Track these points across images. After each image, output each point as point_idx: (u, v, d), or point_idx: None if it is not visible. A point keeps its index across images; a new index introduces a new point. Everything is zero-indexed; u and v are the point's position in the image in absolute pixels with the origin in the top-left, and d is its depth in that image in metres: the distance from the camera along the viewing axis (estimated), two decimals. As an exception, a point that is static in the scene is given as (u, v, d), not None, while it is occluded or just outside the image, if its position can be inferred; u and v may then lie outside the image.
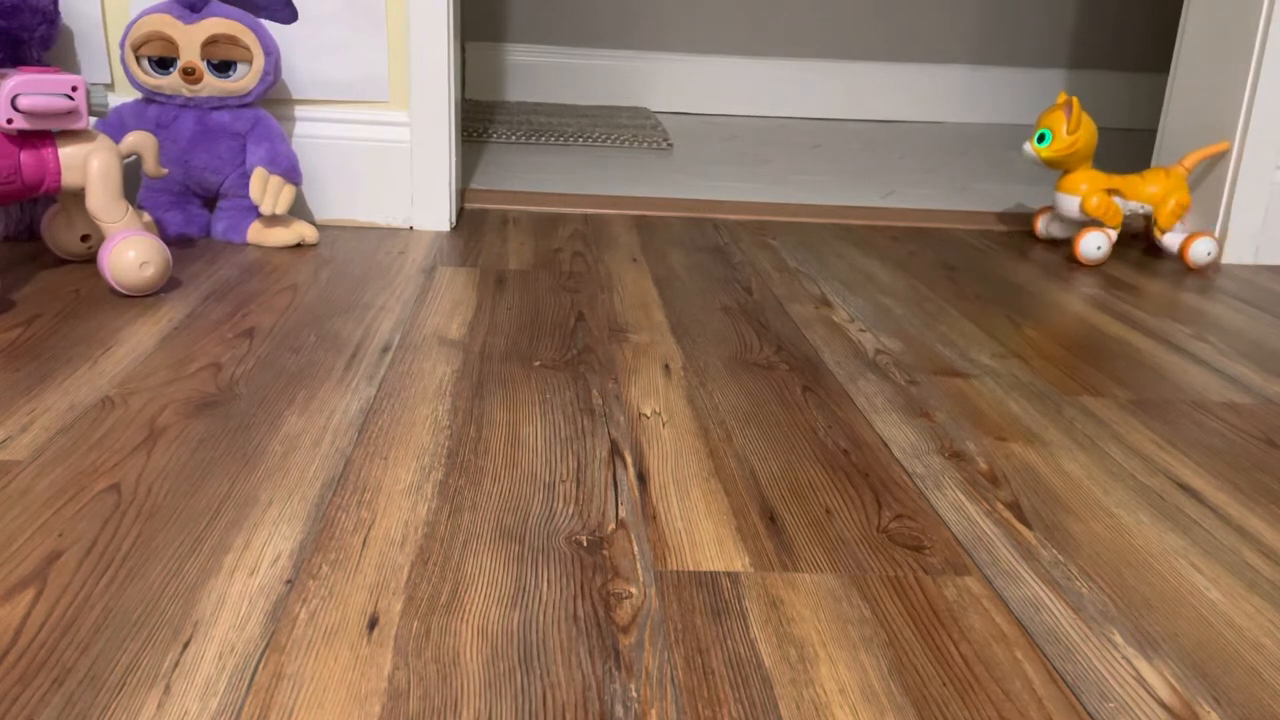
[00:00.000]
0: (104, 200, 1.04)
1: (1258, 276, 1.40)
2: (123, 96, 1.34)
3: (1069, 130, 1.38)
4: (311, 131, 1.36)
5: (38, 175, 1.02)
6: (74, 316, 1.00)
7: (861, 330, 1.08)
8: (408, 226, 1.41)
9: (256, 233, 1.28)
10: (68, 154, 1.03)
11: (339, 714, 0.49)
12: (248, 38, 1.24)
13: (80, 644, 0.53)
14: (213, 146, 1.26)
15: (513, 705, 0.50)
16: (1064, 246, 1.50)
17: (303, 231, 1.28)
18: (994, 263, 1.39)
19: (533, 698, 0.51)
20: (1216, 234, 1.46)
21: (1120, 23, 2.73)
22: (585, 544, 0.65)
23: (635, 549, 0.64)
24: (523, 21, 2.59)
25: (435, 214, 1.40)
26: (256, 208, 1.26)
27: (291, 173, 1.27)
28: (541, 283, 1.19)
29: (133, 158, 1.23)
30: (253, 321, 1.01)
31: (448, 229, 1.41)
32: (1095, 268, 1.39)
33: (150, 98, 1.26)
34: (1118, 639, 0.58)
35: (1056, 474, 0.78)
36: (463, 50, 2.59)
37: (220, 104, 1.26)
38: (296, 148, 1.36)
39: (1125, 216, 1.44)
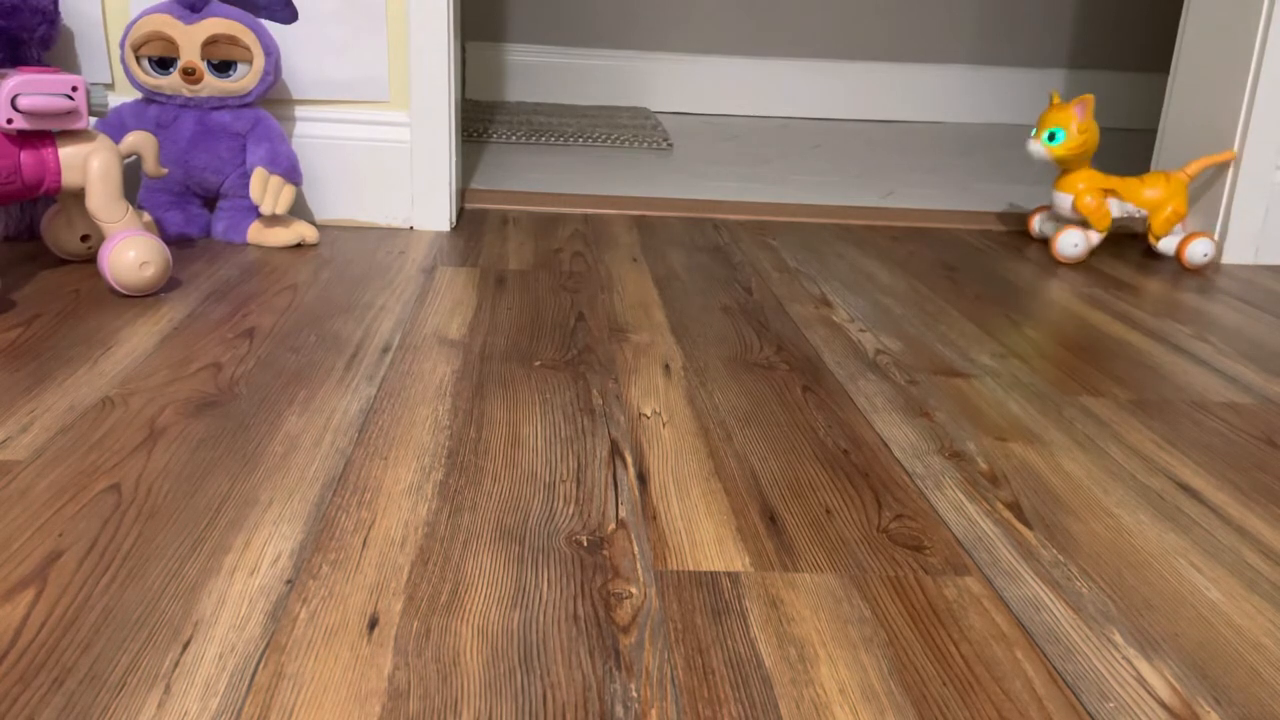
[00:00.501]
0: (104, 200, 1.04)
1: (1258, 276, 1.40)
2: (123, 96, 1.34)
3: (1081, 129, 1.38)
4: (312, 131, 1.36)
5: (38, 175, 1.02)
6: (74, 316, 1.00)
7: (861, 330, 1.08)
8: (408, 226, 1.41)
9: (256, 233, 1.28)
10: (68, 154, 1.03)
11: (339, 714, 0.49)
12: (248, 38, 1.24)
13: (80, 644, 0.53)
14: (213, 146, 1.26)
15: (513, 705, 0.50)
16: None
17: (303, 231, 1.28)
18: (994, 263, 1.39)
19: (533, 698, 0.51)
20: (1216, 235, 1.47)
21: (1120, 23, 2.73)
22: (585, 544, 0.65)
23: (635, 549, 0.64)
24: (523, 21, 2.59)
25: (435, 214, 1.40)
26: (256, 208, 1.26)
27: (292, 173, 1.27)
28: (541, 283, 1.19)
29: (133, 158, 1.23)
30: (253, 321, 1.01)
31: (448, 229, 1.41)
32: (1095, 268, 1.39)
33: (150, 98, 1.26)
34: (1118, 639, 0.58)
35: (1056, 474, 0.78)
36: (463, 50, 2.59)
37: (220, 104, 1.26)
38: (297, 148, 1.36)
39: (1119, 219, 1.44)
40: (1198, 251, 1.39)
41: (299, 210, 1.39)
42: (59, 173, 1.03)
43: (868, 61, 2.68)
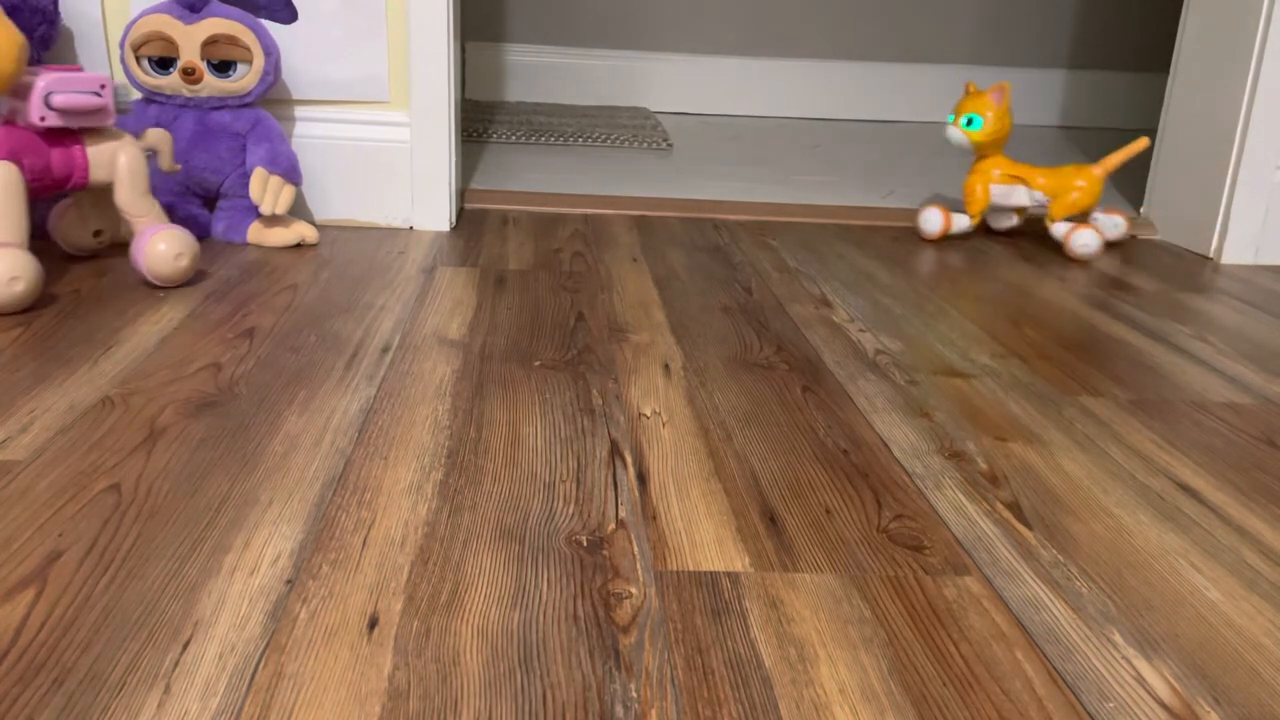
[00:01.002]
0: (133, 195, 1.07)
1: (1258, 276, 1.40)
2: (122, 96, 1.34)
3: (997, 115, 1.43)
4: (312, 131, 1.36)
5: (66, 172, 1.05)
6: (74, 316, 1.00)
7: (861, 330, 1.08)
8: (408, 226, 1.41)
9: (256, 233, 1.28)
10: (95, 151, 1.06)
11: (339, 714, 0.49)
12: (248, 38, 1.24)
13: (80, 644, 0.53)
14: (213, 146, 1.26)
15: (513, 705, 0.50)
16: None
17: (303, 231, 1.28)
18: (994, 263, 1.39)
19: (533, 698, 0.51)
20: (1216, 235, 1.46)
21: (1120, 23, 2.73)
22: (585, 544, 0.65)
23: (635, 549, 0.64)
24: (523, 21, 2.59)
25: (435, 214, 1.40)
26: (257, 208, 1.26)
27: (291, 173, 1.27)
28: (541, 283, 1.19)
29: (149, 154, 1.24)
30: (253, 321, 1.01)
31: (448, 229, 1.41)
32: (1095, 268, 1.39)
33: (150, 98, 1.26)
34: (1118, 639, 0.58)
35: (1056, 474, 0.78)
36: (463, 50, 2.59)
37: (220, 104, 1.26)
38: (296, 148, 1.36)
39: (1029, 206, 1.48)
40: (1079, 242, 1.41)
41: (299, 210, 1.39)
42: (86, 169, 1.06)
43: (868, 61, 2.68)
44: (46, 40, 1.22)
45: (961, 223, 1.48)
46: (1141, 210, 1.66)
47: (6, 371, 0.86)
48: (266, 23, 1.31)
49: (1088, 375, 0.99)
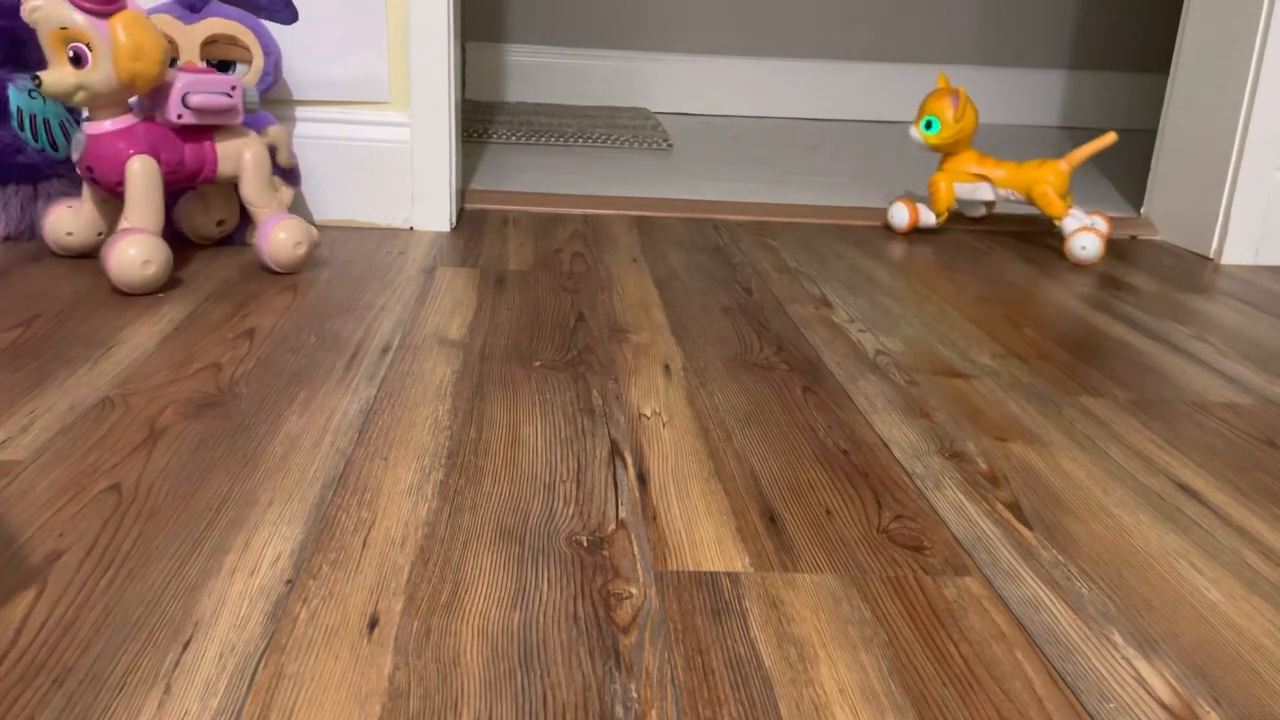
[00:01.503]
0: (257, 187, 1.15)
1: (1257, 276, 1.40)
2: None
3: (955, 118, 1.43)
4: (312, 132, 1.36)
5: (198, 166, 1.13)
6: (74, 316, 1.00)
7: (861, 330, 1.08)
8: (408, 227, 1.41)
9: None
10: (224, 147, 1.14)
11: (339, 714, 0.49)
12: (247, 38, 1.24)
13: (80, 644, 0.53)
14: (213, 147, 1.26)
15: (513, 705, 0.50)
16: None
17: (303, 232, 1.29)
18: (994, 263, 1.39)
19: (533, 698, 0.51)
20: (1216, 234, 1.46)
21: (1120, 23, 2.73)
22: (585, 544, 0.65)
23: (635, 549, 0.64)
24: (523, 21, 2.59)
25: (435, 214, 1.40)
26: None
27: (292, 173, 1.27)
28: (541, 283, 1.19)
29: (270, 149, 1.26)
30: (253, 322, 1.01)
31: (448, 229, 1.41)
32: (1095, 269, 1.39)
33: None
34: (1118, 639, 0.58)
35: (1056, 474, 0.78)
36: (463, 50, 2.59)
37: (220, 104, 1.26)
38: (297, 148, 1.36)
39: (997, 201, 1.49)
40: (1078, 245, 1.39)
41: (299, 210, 1.39)
42: (216, 163, 1.14)
43: (868, 61, 2.68)
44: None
45: (929, 218, 1.50)
46: (1141, 210, 1.66)
47: (6, 371, 0.86)
48: (266, 23, 1.31)
49: (1088, 375, 0.99)
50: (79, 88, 1.03)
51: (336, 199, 1.39)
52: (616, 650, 0.55)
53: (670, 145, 2.12)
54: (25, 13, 1.03)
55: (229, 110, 1.12)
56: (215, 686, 0.51)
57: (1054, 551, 0.67)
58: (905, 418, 0.87)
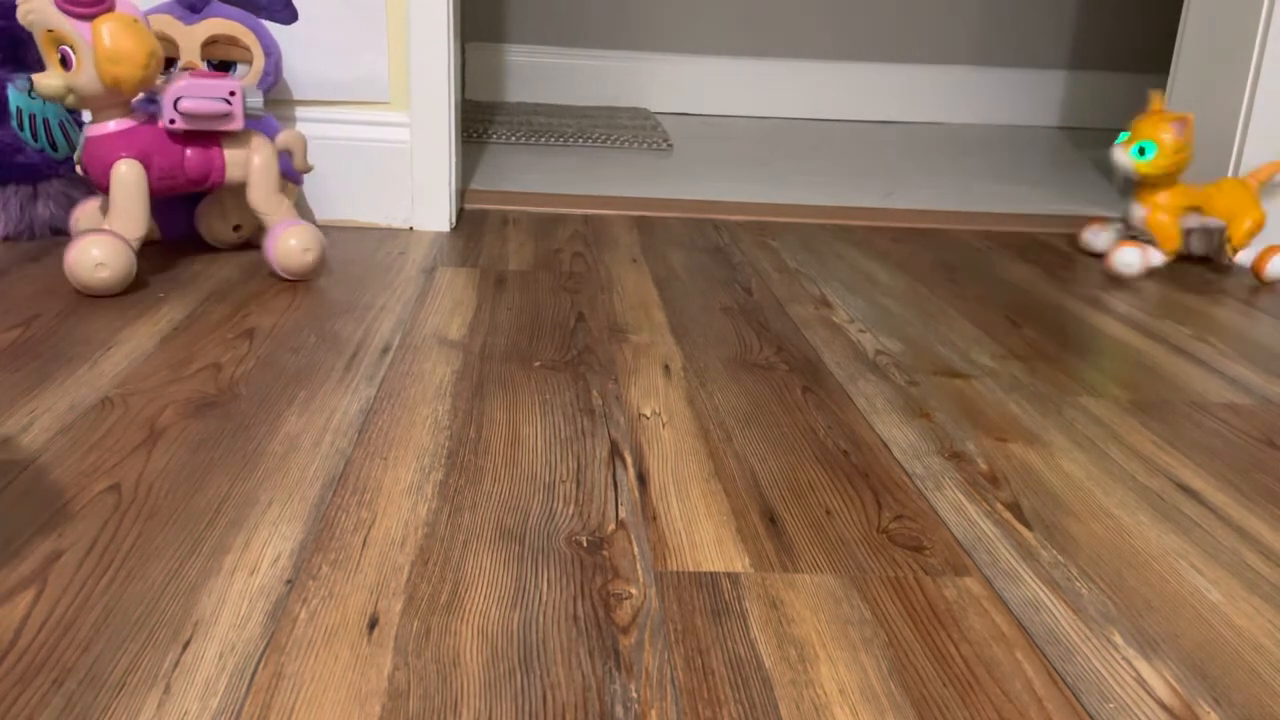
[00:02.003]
0: (265, 193, 1.14)
1: (1258, 277, 1.40)
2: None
3: (1175, 147, 1.30)
4: (312, 132, 1.36)
5: (204, 171, 1.12)
6: (74, 316, 1.00)
7: (861, 331, 1.08)
8: (408, 227, 1.41)
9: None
10: (232, 153, 1.13)
11: (339, 714, 0.49)
12: (248, 38, 1.24)
13: (80, 644, 0.53)
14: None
15: (513, 706, 0.50)
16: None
17: (303, 232, 1.28)
18: (994, 263, 1.39)
19: (533, 698, 0.51)
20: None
21: (1120, 23, 2.73)
22: (585, 544, 0.65)
23: (635, 549, 0.64)
24: (523, 22, 2.59)
25: (435, 214, 1.40)
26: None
27: (292, 173, 1.27)
28: (541, 283, 1.19)
29: (284, 154, 1.25)
30: (253, 322, 1.01)
31: (448, 229, 1.41)
32: (1093, 267, 1.39)
33: (152, 97, 1.25)
34: (1118, 640, 0.58)
35: (1056, 474, 0.78)
36: (463, 50, 2.59)
37: (220, 104, 1.26)
38: (297, 148, 1.36)
39: (1198, 234, 1.38)
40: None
41: (299, 210, 1.39)
42: (224, 169, 1.13)
43: (868, 61, 2.68)
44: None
45: (1156, 258, 1.35)
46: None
47: (6, 371, 0.86)
48: (267, 23, 1.31)
49: (1088, 375, 0.99)
50: (68, 90, 1.03)
51: (337, 199, 1.39)
52: (616, 650, 0.55)
53: (670, 145, 2.12)
54: (20, 15, 1.03)
55: (224, 116, 1.10)
56: (215, 686, 0.51)
57: (1054, 552, 0.67)
58: (905, 418, 0.87)
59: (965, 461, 0.80)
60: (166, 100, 1.07)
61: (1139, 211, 1.37)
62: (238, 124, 1.12)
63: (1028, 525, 0.70)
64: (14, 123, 1.20)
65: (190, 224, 1.29)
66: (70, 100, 1.04)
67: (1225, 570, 0.66)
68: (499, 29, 2.59)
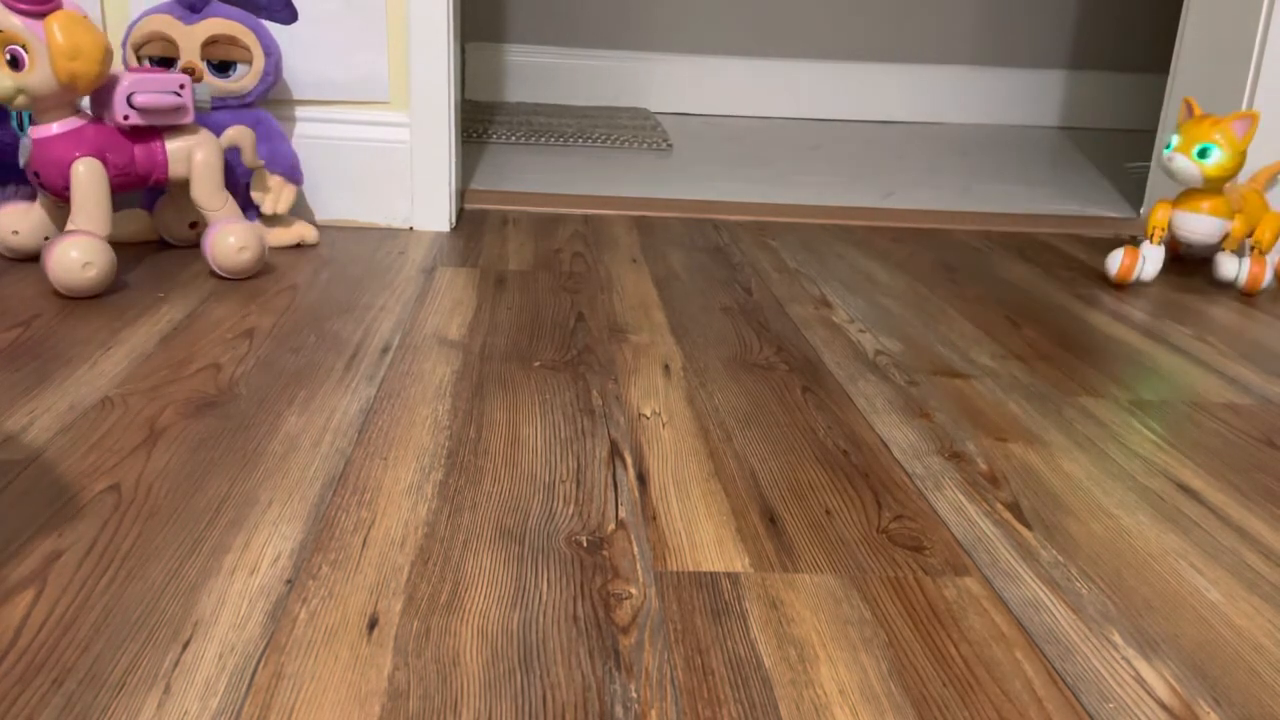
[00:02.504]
0: (207, 190, 1.13)
1: (1258, 277, 1.40)
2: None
3: (1238, 147, 1.23)
4: (312, 132, 1.36)
5: (148, 168, 1.11)
6: (74, 316, 1.00)
7: (861, 331, 1.08)
8: (408, 227, 1.41)
9: (257, 233, 1.28)
10: (174, 148, 1.12)
11: (339, 714, 0.49)
12: (248, 38, 1.24)
13: (80, 644, 0.53)
14: (213, 146, 1.26)
15: (513, 706, 0.50)
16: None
17: (303, 232, 1.28)
18: (994, 264, 1.39)
19: (533, 698, 0.51)
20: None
21: (1120, 23, 2.73)
22: (585, 544, 0.65)
23: (635, 549, 0.64)
24: (523, 22, 2.59)
25: (435, 214, 1.40)
26: (258, 207, 1.26)
27: (292, 172, 1.28)
28: (541, 283, 1.19)
29: (232, 150, 1.25)
30: (253, 322, 1.01)
31: (448, 229, 1.41)
32: (1094, 270, 1.39)
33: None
34: (1117, 639, 0.58)
35: (1056, 475, 0.78)
36: (463, 50, 2.59)
37: (221, 104, 1.26)
38: (297, 148, 1.36)
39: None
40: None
41: (299, 210, 1.39)
42: (166, 165, 1.12)
43: (868, 61, 2.68)
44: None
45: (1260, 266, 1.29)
46: (1141, 210, 1.66)
47: (6, 371, 0.86)
48: (267, 23, 1.31)
49: (1088, 375, 0.99)
50: (18, 91, 1.01)
51: (336, 199, 1.39)
52: (616, 650, 0.55)
53: (670, 145, 2.12)
54: None
55: (177, 109, 1.10)
56: (215, 686, 0.51)
57: (1054, 552, 0.67)
58: (905, 418, 0.87)
59: (965, 461, 0.80)
60: (119, 96, 1.06)
61: (1196, 220, 1.28)
62: (189, 117, 1.12)
63: (1027, 525, 0.70)
64: (14, 123, 1.20)
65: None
66: (20, 102, 1.02)
67: (1225, 570, 0.66)
68: (499, 29, 2.59)
